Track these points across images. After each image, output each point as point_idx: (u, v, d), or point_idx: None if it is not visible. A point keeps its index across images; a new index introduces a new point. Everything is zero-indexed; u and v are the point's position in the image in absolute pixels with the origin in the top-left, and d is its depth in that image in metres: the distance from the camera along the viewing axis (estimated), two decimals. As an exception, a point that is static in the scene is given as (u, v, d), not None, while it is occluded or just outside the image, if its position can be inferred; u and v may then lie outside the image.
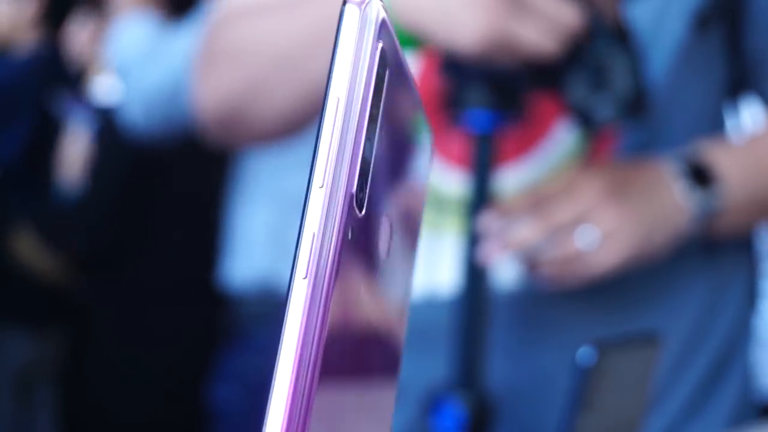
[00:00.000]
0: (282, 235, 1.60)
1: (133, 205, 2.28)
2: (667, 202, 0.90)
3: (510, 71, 0.83)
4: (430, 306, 0.94)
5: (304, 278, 0.27)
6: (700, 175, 0.91)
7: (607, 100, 0.81)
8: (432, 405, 0.83)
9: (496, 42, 0.79)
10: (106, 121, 2.34)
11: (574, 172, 0.91)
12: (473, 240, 0.85)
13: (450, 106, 0.85)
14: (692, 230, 0.91)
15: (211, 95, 0.97)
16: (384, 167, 0.32)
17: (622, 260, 0.87)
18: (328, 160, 0.28)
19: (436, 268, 0.95)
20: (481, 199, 0.85)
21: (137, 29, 2.10)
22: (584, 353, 0.73)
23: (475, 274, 0.85)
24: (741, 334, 1.03)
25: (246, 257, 1.75)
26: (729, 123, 1.05)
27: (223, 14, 0.99)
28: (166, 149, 2.24)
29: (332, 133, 0.28)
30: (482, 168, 0.85)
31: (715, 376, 1.00)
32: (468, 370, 0.83)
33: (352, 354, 0.30)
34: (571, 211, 0.86)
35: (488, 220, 0.86)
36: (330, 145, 0.28)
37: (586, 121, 0.82)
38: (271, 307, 1.57)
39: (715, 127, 1.02)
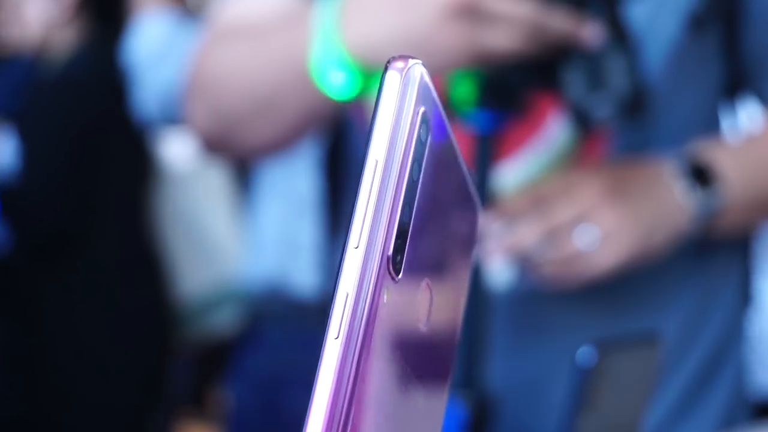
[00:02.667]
0: (291, 236, 1.61)
1: (77, 185, 2.27)
2: (667, 202, 0.89)
3: (510, 72, 0.83)
4: None
5: (336, 338, 0.27)
6: (701, 175, 0.90)
7: (605, 100, 0.80)
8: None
9: (468, 57, 0.80)
10: (41, 103, 2.34)
11: (573, 171, 0.91)
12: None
13: (450, 105, 0.85)
14: (692, 230, 0.91)
15: (200, 118, 0.99)
16: (426, 234, 0.32)
17: (623, 260, 0.86)
18: (364, 221, 0.28)
19: None
20: (481, 198, 0.85)
21: (156, 26, 2.12)
22: (584, 353, 0.73)
23: (475, 275, 0.85)
24: (733, 336, 1.02)
25: (257, 257, 1.76)
26: (725, 123, 1.05)
27: (216, 29, 1.00)
28: (105, 128, 2.25)
29: (369, 196, 0.28)
30: (482, 167, 0.85)
31: (706, 376, 0.99)
32: (468, 370, 0.83)
33: (390, 417, 0.30)
34: (571, 211, 0.85)
35: (488, 221, 0.86)
36: (367, 207, 0.28)
37: (584, 120, 0.82)
38: (281, 307, 1.58)
39: (709, 127, 1.01)
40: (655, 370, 0.78)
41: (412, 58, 0.30)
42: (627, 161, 0.93)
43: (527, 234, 0.85)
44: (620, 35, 0.81)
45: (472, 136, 0.86)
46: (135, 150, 2.37)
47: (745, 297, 1.05)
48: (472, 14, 0.78)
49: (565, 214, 0.85)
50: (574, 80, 0.81)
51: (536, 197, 0.87)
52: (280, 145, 0.97)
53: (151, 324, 2.36)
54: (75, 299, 2.30)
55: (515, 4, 0.79)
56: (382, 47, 0.81)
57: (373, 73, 0.82)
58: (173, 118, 1.95)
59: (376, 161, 0.29)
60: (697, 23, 0.95)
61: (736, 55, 0.99)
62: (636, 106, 0.81)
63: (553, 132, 0.94)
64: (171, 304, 2.41)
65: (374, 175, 0.29)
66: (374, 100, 0.30)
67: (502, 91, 0.83)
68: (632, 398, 0.78)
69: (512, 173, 0.93)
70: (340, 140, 1.00)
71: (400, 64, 0.30)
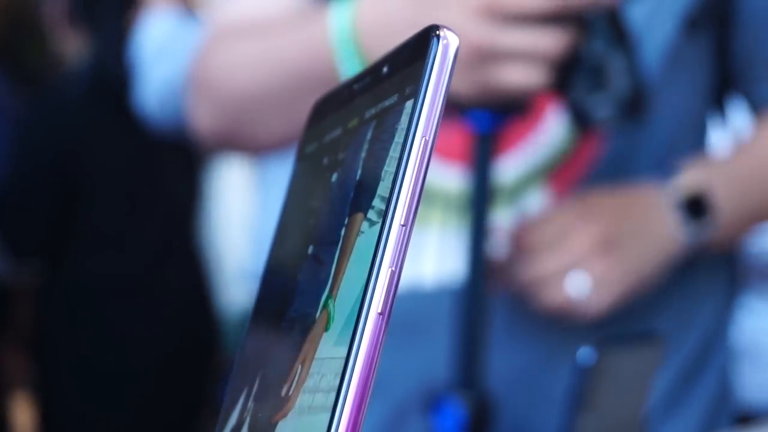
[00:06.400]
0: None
1: (62, 199, 2.28)
2: (660, 236, 0.90)
3: None
4: (413, 298, 0.95)
5: (380, 314, 0.28)
6: (695, 205, 0.91)
7: (606, 100, 0.80)
8: (432, 405, 0.83)
9: (481, 93, 0.79)
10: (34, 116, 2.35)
11: (565, 209, 0.90)
12: (473, 242, 0.85)
13: (451, 104, 0.85)
14: (684, 255, 0.93)
15: (205, 115, 0.99)
16: None
17: (615, 302, 0.88)
18: (409, 199, 0.29)
19: (419, 260, 0.95)
20: (481, 198, 0.85)
21: (161, 24, 2.13)
22: (584, 353, 0.73)
23: (475, 275, 0.85)
24: (717, 341, 1.03)
25: (260, 257, 1.75)
26: (713, 127, 1.05)
27: (218, 28, 0.99)
28: (93, 142, 2.26)
29: (414, 174, 0.29)
30: (482, 166, 0.85)
31: (688, 380, 0.99)
32: (468, 369, 0.83)
33: None
34: (562, 261, 0.86)
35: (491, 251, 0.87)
36: (411, 185, 0.29)
37: (584, 120, 0.81)
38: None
39: (699, 130, 1.02)
40: (654, 370, 0.78)
41: (450, 30, 0.30)
42: (621, 189, 0.93)
43: (524, 277, 0.88)
44: (621, 36, 0.81)
45: (473, 134, 0.86)
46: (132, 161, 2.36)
47: (729, 303, 1.05)
48: (489, 52, 0.77)
49: (557, 263, 0.86)
50: (574, 80, 0.81)
51: (530, 240, 0.88)
52: (292, 140, 0.97)
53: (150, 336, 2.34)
54: (72, 315, 2.30)
55: (539, 37, 0.77)
56: None
57: None
58: (173, 114, 1.96)
59: (424, 140, 0.29)
60: (692, 24, 0.95)
61: (727, 58, 1.00)
62: (636, 107, 0.81)
63: (550, 129, 0.94)
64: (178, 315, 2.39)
65: (420, 155, 0.29)
66: (415, 69, 0.30)
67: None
68: (632, 398, 0.78)
69: (509, 170, 0.94)
70: None
71: (443, 35, 0.30)
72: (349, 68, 0.82)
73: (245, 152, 1.02)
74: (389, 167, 0.30)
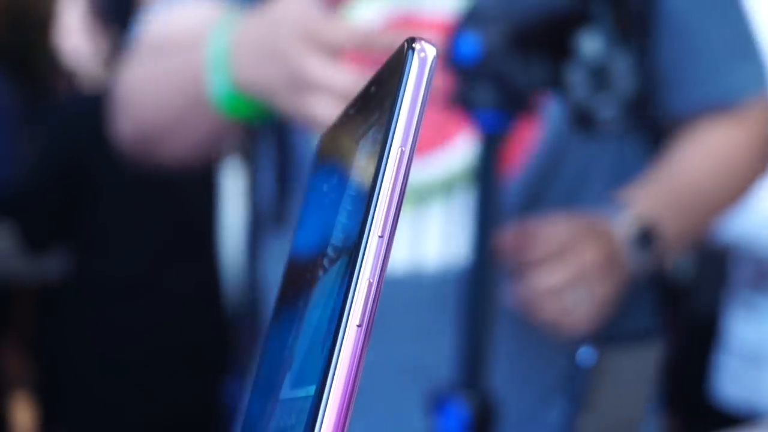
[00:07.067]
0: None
1: (70, 200, 2.28)
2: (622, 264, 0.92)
3: (518, 73, 0.82)
4: (413, 280, 0.96)
5: (359, 326, 0.28)
6: (645, 237, 0.93)
7: (610, 100, 0.80)
8: (436, 405, 0.84)
9: (297, 117, 0.81)
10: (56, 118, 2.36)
11: (571, 225, 0.90)
12: (476, 244, 0.85)
13: (458, 104, 0.85)
14: (630, 282, 0.95)
15: (122, 128, 1.04)
16: None
17: (597, 323, 0.88)
18: (388, 210, 0.29)
19: (420, 243, 0.96)
20: (486, 198, 0.85)
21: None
22: (584, 353, 0.74)
23: (479, 278, 0.85)
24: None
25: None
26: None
27: (142, 43, 1.03)
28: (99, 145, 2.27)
29: (392, 184, 0.29)
30: (488, 167, 0.85)
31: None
32: (471, 370, 0.83)
33: None
34: (573, 272, 0.87)
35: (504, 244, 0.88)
36: (391, 196, 0.29)
37: (586, 120, 0.81)
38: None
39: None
40: (655, 371, 0.79)
41: (428, 41, 0.30)
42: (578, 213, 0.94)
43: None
44: (625, 35, 0.81)
45: (480, 135, 0.86)
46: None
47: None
48: (298, 82, 0.78)
49: (565, 274, 0.87)
50: (577, 80, 0.81)
51: (535, 254, 0.89)
52: (197, 156, 1.03)
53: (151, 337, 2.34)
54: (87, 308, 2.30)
55: (335, 71, 0.77)
56: (258, 91, 0.83)
57: (265, 104, 0.84)
58: None
59: (401, 150, 0.29)
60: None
61: (648, 68, 1.00)
62: (640, 107, 0.81)
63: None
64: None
65: (397, 165, 0.29)
66: (394, 82, 0.30)
67: (511, 93, 0.83)
68: (632, 398, 0.78)
69: (441, 167, 0.95)
70: (283, 138, 1.02)
71: (420, 47, 0.30)
72: (216, 86, 0.85)
73: (162, 163, 1.05)
74: (353, 186, 0.31)
